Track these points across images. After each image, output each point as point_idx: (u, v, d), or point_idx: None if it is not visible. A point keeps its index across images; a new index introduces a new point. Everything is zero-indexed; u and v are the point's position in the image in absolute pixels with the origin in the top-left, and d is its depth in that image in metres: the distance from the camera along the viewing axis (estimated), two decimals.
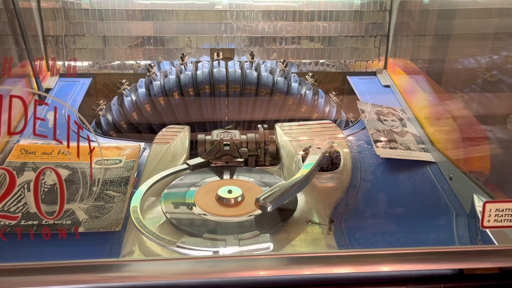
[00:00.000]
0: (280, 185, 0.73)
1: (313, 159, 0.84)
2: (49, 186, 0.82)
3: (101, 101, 1.27)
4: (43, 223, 0.74)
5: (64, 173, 0.87)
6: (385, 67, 1.40)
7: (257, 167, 0.93)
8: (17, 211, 0.77)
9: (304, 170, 0.79)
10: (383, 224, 0.81)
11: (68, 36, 1.32)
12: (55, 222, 0.73)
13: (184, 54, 1.32)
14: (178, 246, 0.64)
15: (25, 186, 0.82)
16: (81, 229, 0.74)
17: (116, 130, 1.19)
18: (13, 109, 0.56)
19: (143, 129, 1.18)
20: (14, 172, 0.58)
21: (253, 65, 1.26)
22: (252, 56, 1.32)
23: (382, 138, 1.03)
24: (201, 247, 0.64)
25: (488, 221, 0.61)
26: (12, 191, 0.55)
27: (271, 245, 0.65)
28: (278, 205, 0.71)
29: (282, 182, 0.76)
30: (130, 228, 0.74)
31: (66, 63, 1.35)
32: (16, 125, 0.71)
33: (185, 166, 0.87)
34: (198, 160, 0.88)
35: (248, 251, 0.64)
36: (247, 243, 0.64)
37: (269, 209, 0.69)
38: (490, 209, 0.60)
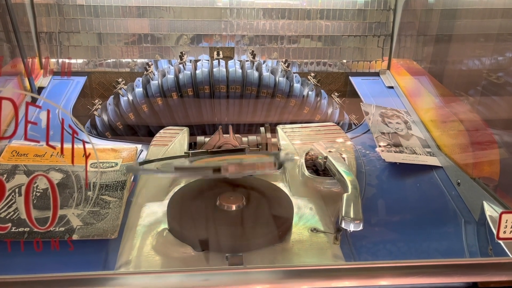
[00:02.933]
0: (350, 196, 0.69)
1: (343, 165, 0.80)
2: (41, 191, 0.78)
3: (96, 101, 1.24)
4: (35, 230, 0.70)
5: (57, 176, 0.83)
6: (388, 68, 1.38)
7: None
8: (7, 217, 0.73)
9: (349, 177, 0.75)
10: (389, 233, 0.78)
11: (62, 32, 1.29)
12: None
13: (183, 52, 1.29)
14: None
15: (16, 190, 0.79)
16: (75, 237, 0.71)
17: (112, 131, 1.16)
18: (3, 110, 0.52)
19: (140, 130, 1.15)
20: (3, 178, 0.55)
21: (254, 64, 1.22)
22: (253, 55, 1.29)
23: (387, 142, 1.00)
24: None
25: (504, 232, 0.58)
26: (1, 200, 0.52)
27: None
28: None
29: (347, 194, 0.70)
30: (126, 235, 0.71)
31: (60, 60, 1.31)
32: (6, 129, 0.67)
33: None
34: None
35: None
36: None
37: (362, 225, 0.64)
38: (507, 220, 0.58)
